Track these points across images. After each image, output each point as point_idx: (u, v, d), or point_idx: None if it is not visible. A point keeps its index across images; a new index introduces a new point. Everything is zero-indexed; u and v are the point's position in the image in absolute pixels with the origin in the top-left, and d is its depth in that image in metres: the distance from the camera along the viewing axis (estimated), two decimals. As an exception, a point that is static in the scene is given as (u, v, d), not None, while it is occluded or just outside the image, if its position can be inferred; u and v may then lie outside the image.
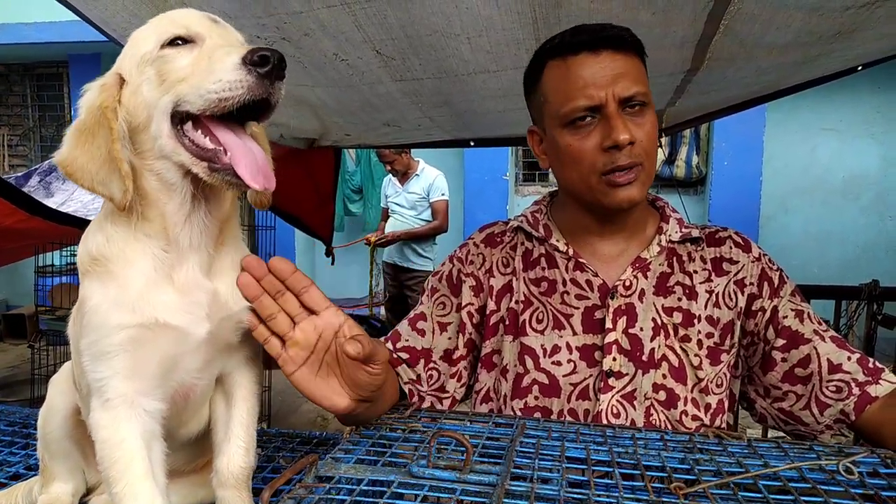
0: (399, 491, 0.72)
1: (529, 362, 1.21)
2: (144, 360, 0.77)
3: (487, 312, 1.27)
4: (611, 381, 1.16)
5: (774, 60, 2.00)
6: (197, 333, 0.80)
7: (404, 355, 1.27)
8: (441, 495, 0.74)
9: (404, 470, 0.73)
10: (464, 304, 1.29)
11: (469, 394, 1.34)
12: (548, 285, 1.24)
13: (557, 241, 1.26)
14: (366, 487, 0.74)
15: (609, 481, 0.77)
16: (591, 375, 1.18)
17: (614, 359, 1.16)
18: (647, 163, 1.13)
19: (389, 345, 1.28)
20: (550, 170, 1.27)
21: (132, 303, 0.76)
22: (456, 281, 1.31)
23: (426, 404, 1.26)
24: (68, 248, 4.00)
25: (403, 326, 1.31)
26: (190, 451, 0.96)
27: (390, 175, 5.19)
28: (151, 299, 0.77)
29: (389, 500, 0.70)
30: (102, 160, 0.75)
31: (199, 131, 0.76)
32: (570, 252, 1.24)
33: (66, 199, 2.99)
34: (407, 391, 1.25)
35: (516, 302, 1.25)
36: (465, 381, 1.30)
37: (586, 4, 1.60)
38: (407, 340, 1.28)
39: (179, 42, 0.77)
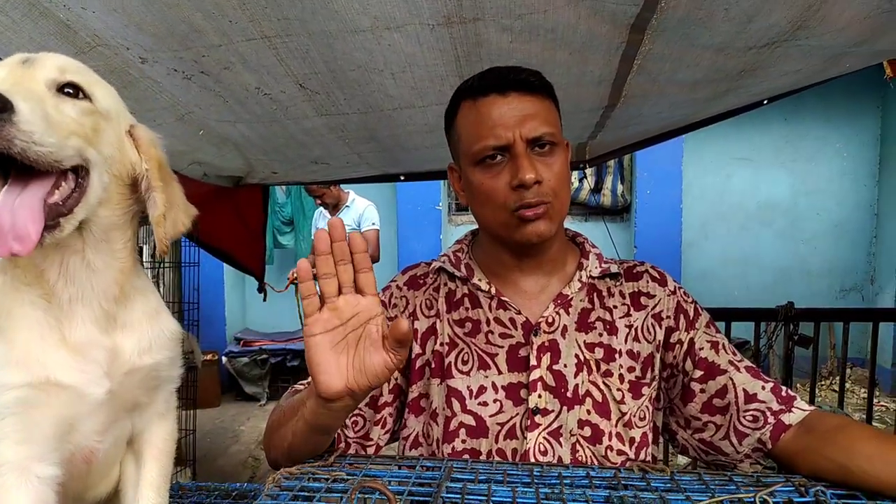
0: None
1: (456, 405, 1.19)
2: (36, 422, 0.72)
3: (413, 356, 1.25)
4: (537, 418, 1.15)
5: (686, 96, 2.10)
6: (94, 393, 0.76)
7: None
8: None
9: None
10: None
11: (393, 440, 1.31)
12: (472, 326, 1.23)
13: (479, 280, 1.26)
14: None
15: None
16: (517, 414, 1.17)
17: (539, 395, 1.16)
18: (556, 201, 1.15)
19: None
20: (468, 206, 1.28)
21: (20, 360, 0.71)
22: None
23: (351, 451, 1.23)
24: None
25: None
26: None
27: (320, 210, 5.15)
28: (41, 357, 0.72)
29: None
30: None
31: None
32: (493, 291, 1.24)
33: None
34: (335, 437, 1.21)
35: (441, 344, 1.24)
36: (390, 427, 1.28)
37: (506, 44, 1.64)
38: None
39: None
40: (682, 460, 4.06)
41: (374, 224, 5.02)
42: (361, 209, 5.00)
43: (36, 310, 0.74)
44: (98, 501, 0.87)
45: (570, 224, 6.47)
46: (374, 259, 4.95)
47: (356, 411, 1.24)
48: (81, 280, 0.76)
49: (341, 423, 1.08)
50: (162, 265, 3.76)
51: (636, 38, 1.61)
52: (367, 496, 0.82)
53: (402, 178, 3.29)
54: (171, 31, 1.46)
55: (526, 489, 0.86)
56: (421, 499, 0.84)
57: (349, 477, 0.91)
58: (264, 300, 3.98)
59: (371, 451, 1.26)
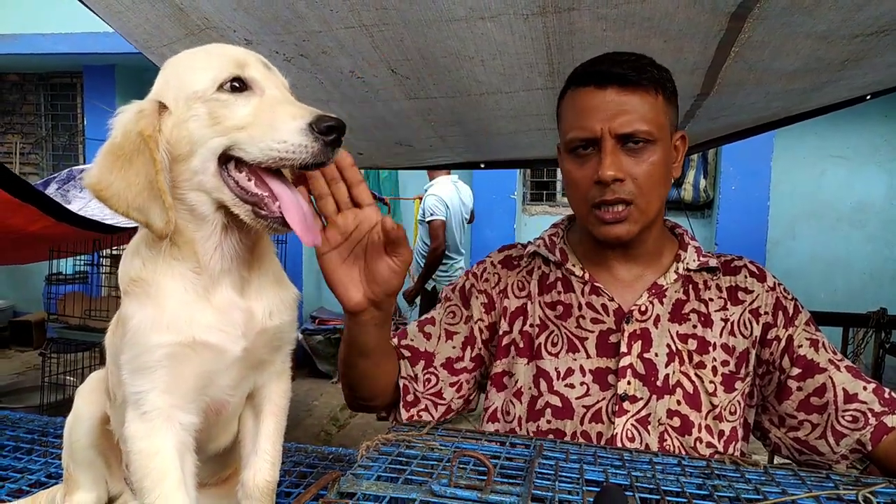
0: (420, 509, 0.73)
1: (543, 385, 1.21)
2: (181, 376, 0.78)
3: (500, 333, 1.29)
4: (625, 404, 1.16)
5: (783, 87, 2.02)
6: (232, 351, 0.81)
7: (406, 353, 1.29)
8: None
9: (425, 488, 0.73)
10: (474, 317, 1.31)
11: (466, 407, 1.35)
12: (563, 309, 1.25)
13: (573, 265, 1.27)
14: (387, 505, 0.74)
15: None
16: (604, 398, 1.18)
17: (629, 382, 1.17)
18: (641, 200, 1.14)
19: (395, 339, 1.30)
20: None
21: (170, 323, 0.77)
22: (468, 294, 1.33)
23: (421, 406, 1.27)
24: (82, 257, 4.02)
25: (411, 327, 1.34)
26: (216, 465, 0.97)
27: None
28: (188, 318, 0.78)
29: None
30: (140, 188, 0.74)
31: (244, 173, 0.78)
32: (586, 276, 1.25)
33: (84, 206, 3.02)
34: (402, 386, 1.27)
35: (531, 325, 1.26)
36: (465, 394, 1.31)
37: (599, 33, 1.62)
38: (412, 340, 1.31)
39: (236, 85, 0.77)
40: (759, 458, 3.92)
41: (433, 215, 5.04)
42: (426, 201, 5.09)
43: (185, 280, 0.80)
44: (217, 452, 0.93)
45: (649, 217, 6.33)
46: (440, 250, 4.98)
47: (430, 370, 1.28)
48: (232, 253, 0.82)
49: (375, 339, 1.11)
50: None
51: (736, 25, 1.56)
52: (462, 466, 0.85)
53: (482, 165, 3.30)
54: (276, 16, 1.53)
55: (617, 471, 0.87)
56: (513, 472, 0.86)
57: (443, 447, 0.95)
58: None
59: (442, 410, 1.29)
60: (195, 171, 0.77)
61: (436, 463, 0.88)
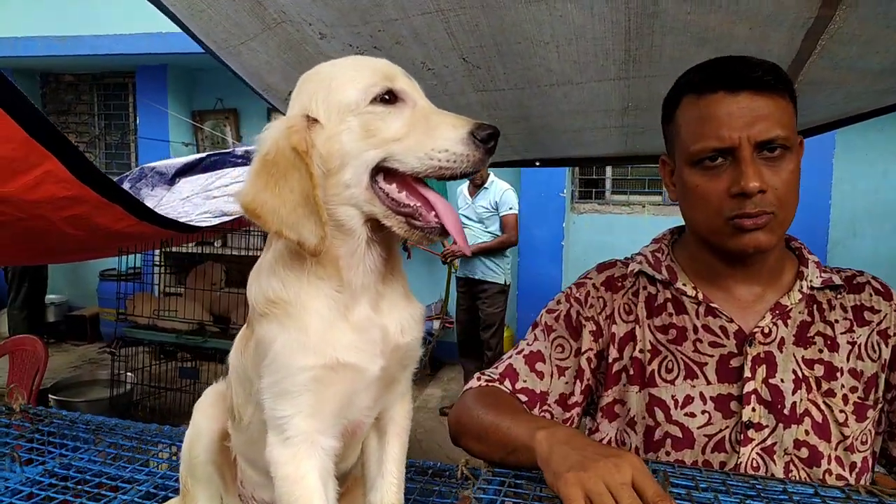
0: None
1: (660, 414, 1.15)
2: (325, 399, 0.78)
3: (610, 360, 1.21)
4: (750, 432, 1.09)
5: (866, 86, 1.94)
6: (372, 370, 0.80)
7: (523, 397, 1.23)
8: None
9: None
10: (583, 349, 1.24)
11: None
12: (677, 332, 1.17)
13: (684, 284, 1.19)
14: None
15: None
16: (727, 427, 1.11)
17: (753, 409, 1.09)
18: (781, 211, 1.06)
19: (507, 383, 1.24)
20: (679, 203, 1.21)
21: (314, 345, 0.77)
22: (575, 324, 1.26)
23: None
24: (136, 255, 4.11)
25: (520, 364, 1.26)
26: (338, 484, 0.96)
27: (463, 188, 5.21)
28: (331, 340, 0.78)
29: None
30: (294, 204, 0.74)
31: (394, 185, 0.77)
32: (700, 296, 1.17)
33: (156, 204, 3.07)
34: None
35: (641, 351, 1.19)
36: (576, 426, 1.24)
37: (683, 16, 1.56)
38: (525, 381, 1.24)
39: (387, 97, 0.77)
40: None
41: (511, 208, 5.04)
42: (500, 192, 5.03)
43: (328, 299, 0.79)
44: (342, 473, 0.91)
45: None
46: (512, 242, 4.99)
47: (545, 408, 1.23)
48: (372, 268, 0.82)
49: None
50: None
51: (827, 13, 1.48)
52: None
53: (537, 163, 3.24)
54: (354, 5, 1.51)
55: (753, 501, 0.81)
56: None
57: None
58: (408, 257, 4.05)
59: None
60: (346, 185, 0.76)
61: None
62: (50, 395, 4.19)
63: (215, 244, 5.36)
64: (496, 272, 4.99)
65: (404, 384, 0.90)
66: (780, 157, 1.05)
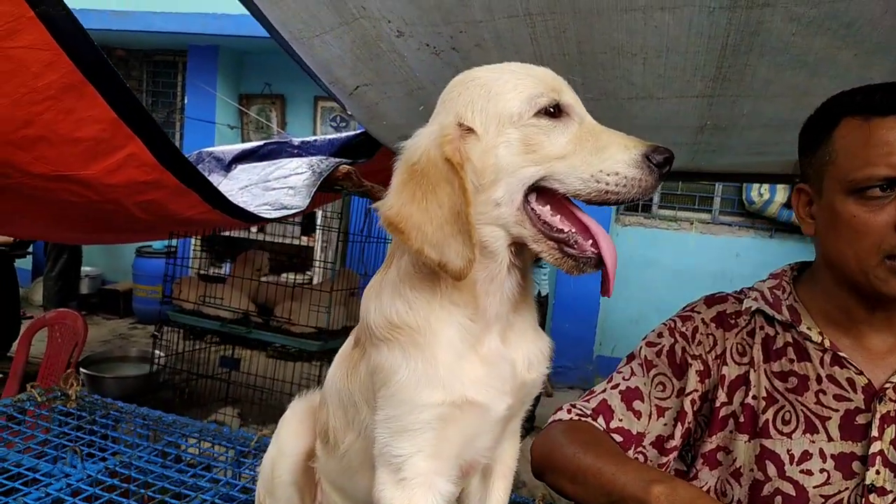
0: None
1: (772, 468, 1.06)
2: (447, 438, 0.72)
3: (717, 404, 1.12)
4: (872, 497, 1.00)
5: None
6: (499, 409, 0.74)
7: (618, 437, 1.14)
8: None
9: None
10: (688, 390, 1.14)
11: None
12: (798, 381, 1.08)
13: (809, 329, 1.09)
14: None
15: None
16: (846, 489, 1.02)
17: (878, 472, 1.00)
18: None
19: (601, 420, 1.16)
20: (813, 238, 1.12)
21: (442, 379, 0.70)
22: (680, 361, 1.17)
23: None
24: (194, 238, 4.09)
25: (616, 402, 1.17)
26: None
27: None
28: (460, 374, 0.71)
29: None
30: (442, 221, 0.67)
31: (547, 207, 0.71)
32: (827, 343, 1.07)
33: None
34: None
35: (754, 398, 1.10)
36: (670, 470, 1.16)
37: (787, 36, 1.48)
38: (621, 420, 1.15)
39: (552, 110, 0.71)
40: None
41: None
42: None
43: (461, 329, 0.73)
44: None
45: (754, 239, 5.99)
46: None
47: (640, 449, 1.15)
48: (507, 296, 0.75)
49: None
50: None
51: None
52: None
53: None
54: (438, 4, 1.45)
55: None
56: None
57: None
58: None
59: None
60: (497, 203, 0.70)
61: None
62: (81, 369, 4.21)
63: (252, 229, 5.36)
64: (534, 282, 4.89)
65: (517, 422, 0.84)
66: None
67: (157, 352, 4.40)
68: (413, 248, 0.68)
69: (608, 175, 0.67)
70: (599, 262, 0.70)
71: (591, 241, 0.71)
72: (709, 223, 6.08)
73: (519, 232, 0.71)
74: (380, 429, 0.71)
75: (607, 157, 0.68)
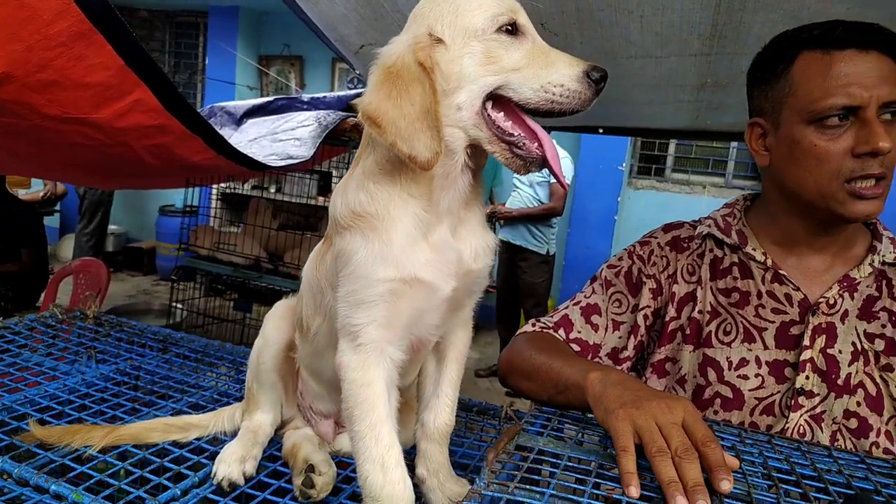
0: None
1: (712, 374, 1.16)
2: (398, 311, 0.81)
3: (667, 319, 1.23)
4: (801, 399, 1.10)
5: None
6: (444, 289, 0.83)
7: (576, 347, 1.25)
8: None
9: (606, 452, 0.71)
10: (641, 305, 1.25)
11: None
12: (740, 296, 1.18)
13: (754, 249, 1.19)
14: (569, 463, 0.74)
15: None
16: (778, 392, 1.12)
17: (807, 377, 1.10)
18: (890, 175, 1.04)
19: (561, 332, 1.26)
20: (764, 169, 1.19)
21: (395, 259, 0.80)
22: (636, 280, 1.27)
23: None
24: (192, 190, 4.22)
25: (576, 315, 1.28)
26: None
27: None
28: (411, 256, 0.80)
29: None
30: (413, 118, 0.76)
31: (501, 113, 0.80)
32: (769, 262, 1.17)
33: (226, 142, 3.10)
34: None
35: (700, 312, 1.20)
36: None
37: (779, -8, 1.50)
38: (580, 332, 1.26)
39: (510, 28, 0.79)
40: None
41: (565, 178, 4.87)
42: (563, 161, 4.88)
43: (415, 218, 0.82)
44: (399, 390, 0.93)
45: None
46: (557, 212, 4.85)
47: (596, 359, 1.25)
48: (459, 193, 0.84)
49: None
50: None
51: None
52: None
53: (600, 130, 3.18)
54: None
55: (798, 459, 0.82)
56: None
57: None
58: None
59: None
60: (458, 107, 0.79)
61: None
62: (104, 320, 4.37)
63: (270, 189, 5.46)
64: (539, 241, 4.87)
65: (468, 311, 0.93)
66: (893, 122, 1.03)
67: (176, 305, 4.56)
68: (388, 141, 0.76)
69: (555, 87, 0.77)
70: (544, 162, 0.80)
71: (536, 144, 0.80)
72: (722, 187, 6.06)
73: (476, 134, 0.80)
74: (341, 304, 0.81)
75: (555, 72, 0.77)
